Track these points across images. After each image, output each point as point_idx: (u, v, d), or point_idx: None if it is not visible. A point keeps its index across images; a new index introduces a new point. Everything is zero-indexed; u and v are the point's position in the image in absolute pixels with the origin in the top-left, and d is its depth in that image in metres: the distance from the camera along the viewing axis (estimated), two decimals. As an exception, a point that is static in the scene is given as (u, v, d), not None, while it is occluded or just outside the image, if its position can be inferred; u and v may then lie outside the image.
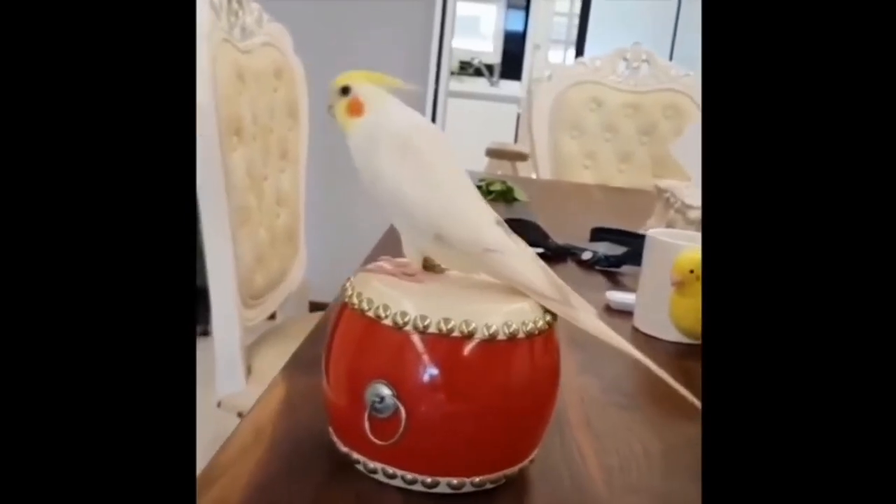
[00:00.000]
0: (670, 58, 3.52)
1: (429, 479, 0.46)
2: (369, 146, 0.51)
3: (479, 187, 1.43)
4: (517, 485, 0.49)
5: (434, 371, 0.45)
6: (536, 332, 0.47)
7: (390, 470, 0.47)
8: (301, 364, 0.63)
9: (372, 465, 0.47)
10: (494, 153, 2.87)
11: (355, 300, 0.48)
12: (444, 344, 0.45)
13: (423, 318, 0.45)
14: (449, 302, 0.47)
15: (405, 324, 0.45)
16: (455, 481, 0.47)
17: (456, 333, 0.45)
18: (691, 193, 1.09)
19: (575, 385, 0.67)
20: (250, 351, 1.33)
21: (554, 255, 1.07)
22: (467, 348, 0.45)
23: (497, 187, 1.44)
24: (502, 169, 2.80)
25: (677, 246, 0.79)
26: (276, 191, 1.40)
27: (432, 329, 0.45)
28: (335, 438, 0.49)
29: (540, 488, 0.50)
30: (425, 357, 0.45)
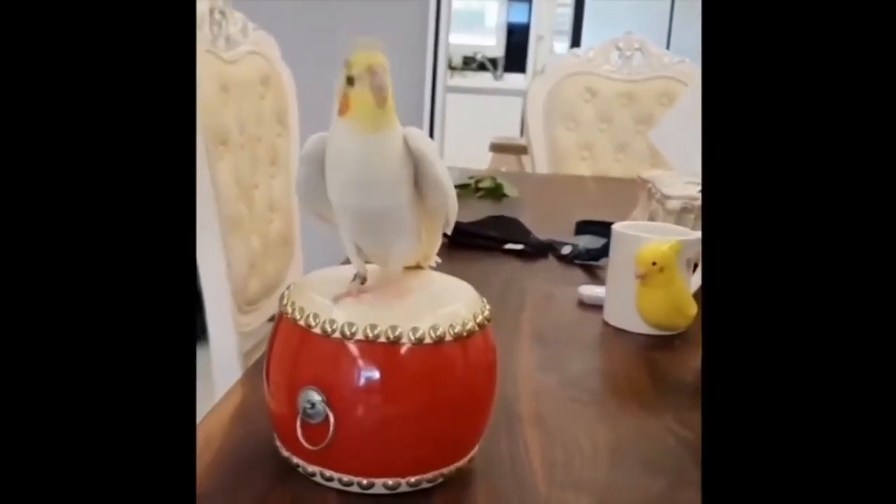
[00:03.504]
0: (667, 47, 3.50)
1: (364, 481, 0.48)
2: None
3: (468, 185, 1.44)
4: (456, 482, 0.51)
5: (362, 377, 0.46)
6: (465, 333, 0.48)
7: (327, 473, 0.48)
8: (261, 371, 0.65)
9: (310, 468, 0.49)
10: (498, 147, 2.87)
11: (289, 309, 0.49)
12: (372, 350, 0.46)
13: (351, 325, 0.47)
14: (379, 308, 0.48)
15: (333, 331, 0.47)
16: (390, 482, 0.48)
17: (382, 339, 0.46)
18: (670, 183, 1.09)
19: (532, 381, 0.68)
20: (250, 356, 1.35)
21: (534, 251, 1.08)
22: (394, 353, 0.46)
23: (486, 184, 1.45)
24: (507, 163, 2.80)
25: (641, 238, 0.80)
26: (268, 197, 1.42)
27: (359, 336, 0.46)
28: (278, 443, 0.51)
29: (478, 485, 0.51)
30: (353, 364, 0.46)
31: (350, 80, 0.46)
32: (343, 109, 0.47)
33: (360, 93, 0.46)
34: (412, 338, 0.46)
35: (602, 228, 1.17)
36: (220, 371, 1.27)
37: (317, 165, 0.51)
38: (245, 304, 1.32)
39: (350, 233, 0.52)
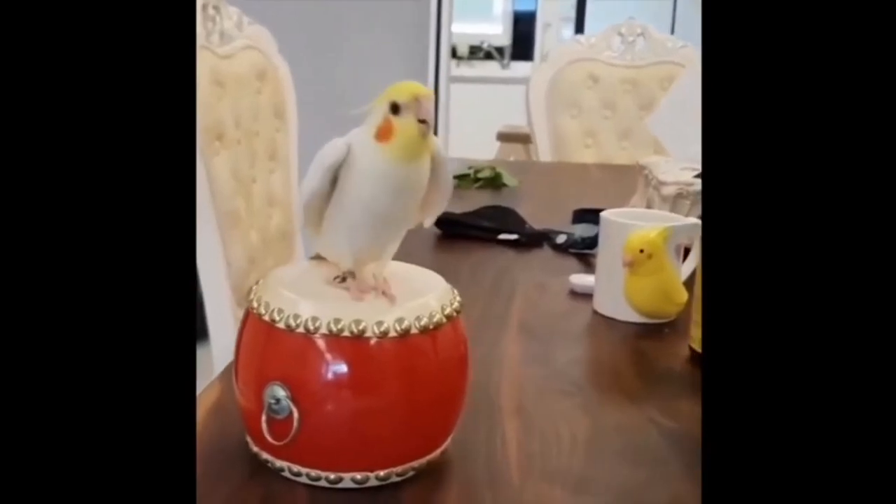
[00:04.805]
0: (671, 32, 3.47)
1: (332, 476, 0.47)
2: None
3: (468, 175, 1.43)
4: (428, 475, 0.50)
5: (328, 372, 0.46)
6: (433, 326, 0.48)
7: (295, 468, 0.48)
8: (243, 366, 0.65)
9: (279, 463, 0.48)
10: (505, 136, 2.86)
11: (255, 304, 0.49)
12: (336, 344, 0.46)
13: (315, 319, 0.46)
14: (345, 302, 0.48)
15: (297, 326, 0.46)
16: (359, 476, 0.48)
17: (346, 333, 0.46)
18: (666, 169, 1.08)
19: (517, 373, 0.67)
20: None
21: (529, 240, 1.07)
22: (359, 347, 0.46)
23: (486, 174, 1.44)
24: (514, 152, 2.79)
25: (628, 226, 0.79)
26: (266, 192, 1.41)
27: (323, 330, 0.46)
28: (248, 439, 0.51)
29: (451, 477, 0.51)
30: (318, 358, 0.46)
31: (395, 108, 0.46)
32: (384, 135, 0.47)
33: (406, 121, 0.46)
34: (377, 331, 0.46)
35: (598, 216, 1.17)
36: (220, 367, 1.27)
37: (332, 175, 0.50)
38: (245, 299, 1.32)
39: (356, 232, 0.50)
